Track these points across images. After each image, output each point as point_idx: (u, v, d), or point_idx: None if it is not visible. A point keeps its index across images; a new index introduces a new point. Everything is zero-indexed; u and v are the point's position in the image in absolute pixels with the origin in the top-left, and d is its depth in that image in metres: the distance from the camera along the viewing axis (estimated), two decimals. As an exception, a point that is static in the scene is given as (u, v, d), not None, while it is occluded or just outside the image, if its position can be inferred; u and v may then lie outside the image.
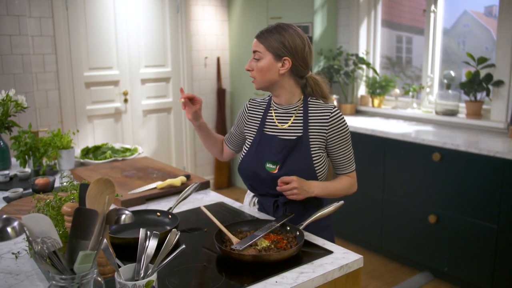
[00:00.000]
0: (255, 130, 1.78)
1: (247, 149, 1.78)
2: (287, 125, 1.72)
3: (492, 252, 2.76)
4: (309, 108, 1.72)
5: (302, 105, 1.72)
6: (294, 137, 1.69)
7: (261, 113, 1.80)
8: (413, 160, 3.14)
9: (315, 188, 1.64)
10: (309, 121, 1.69)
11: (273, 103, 1.79)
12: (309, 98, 1.74)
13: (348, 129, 1.72)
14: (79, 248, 1.00)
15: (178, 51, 4.72)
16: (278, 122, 1.74)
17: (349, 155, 1.74)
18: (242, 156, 1.79)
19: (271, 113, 1.77)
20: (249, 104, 1.87)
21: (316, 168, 1.66)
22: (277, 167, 1.67)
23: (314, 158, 1.66)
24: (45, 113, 3.96)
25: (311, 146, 1.67)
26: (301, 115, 1.71)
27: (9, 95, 2.39)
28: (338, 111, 1.70)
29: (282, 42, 1.66)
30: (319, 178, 1.68)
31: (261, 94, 4.55)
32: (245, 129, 1.84)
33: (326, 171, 1.72)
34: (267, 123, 1.76)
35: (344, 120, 1.70)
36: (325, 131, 1.68)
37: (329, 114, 1.68)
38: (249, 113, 1.84)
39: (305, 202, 1.71)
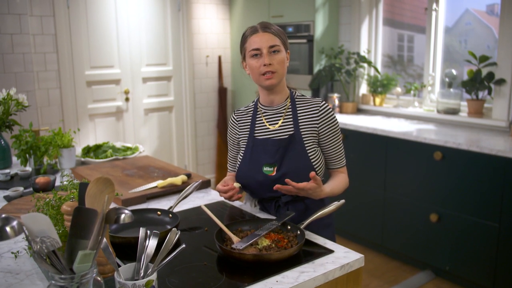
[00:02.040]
0: (247, 137, 1.76)
1: (241, 157, 1.76)
2: (278, 125, 1.71)
3: (494, 250, 2.76)
4: (297, 104, 1.72)
5: (290, 102, 1.72)
6: (287, 136, 1.68)
7: (249, 119, 1.78)
8: (414, 159, 3.13)
9: (325, 191, 1.63)
10: (299, 118, 1.69)
11: (261, 106, 1.77)
12: (295, 95, 1.74)
13: (338, 122, 1.72)
14: (79, 248, 0.99)
15: (179, 50, 4.72)
16: (269, 124, 1.72)
17: (341, 149, 1.74)
18: (237, 165, 1.78)
19: (260, 116, 1.75)
20: (235, 115, 1.83)
21: (314, 164, 1.65)
22: (275, 169, 1.66)
23: (310, 154, 1.66)
24: (46, 112, 3.96)
25: (305, 142, 1.67)
26: (290, 112, 1.71)
27: (10, 94, 2.38)
28: (327, 104, 1.71)
29: (285, 36, 1.71)
30: (318, 173, 1.67)
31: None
32: (240, 141, 1.81)
33: (323, 165, 1.71)
34: (257, 128, 1.74)
35: (334, 113, 1.71)
36: (316, 125, 1.68)
37: (318, 108, 1.69)
38: (239, 122, 1.81)
39: (306, 201, 1.71)
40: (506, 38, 3.13)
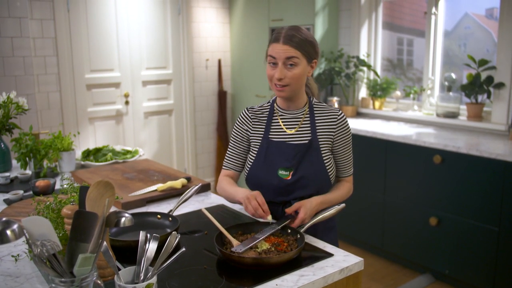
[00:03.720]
0: (260, 138, 1.72)
1: (253, 158, 1.72)
2: (295, 130, 1.69)
3: (493, 254, 2.76)
4: (315, 112, 1.71)
5: (308, 108, 1.71)
6: (306, 141, 1.67)
7: (265, 120, 1.74)
8: (414, 163, 3.13)
9: (316, 201, 1.62)
10: (317, 125, 1.69)
11: (278, 108, 1.74)
12: (313, 102, 1.73)
13: (351, 132, 1.74)
14: (79, 251, 1.00)
15: (179, 53, 4.72)
16: (286, 128, 1.71)
17: (351, 158, 1.76)
18: (249, 166, 1.73)
19: (277, 119, 1.73)
20: (249, 112, 1.77)
21: (328, 170, 1.67)
22: (291, 173, 1.65)
23: (325, 161, 1.66)
24: (46, 115, 3.96)
25: (321, 149, 1.67)
26: (308, 119, 1.70)
27: (10, 97, 2.39)
28: (343, 114, 1.72)
29: (313, 45, 1.62)
30: (331, 179, 1.69)
31: (262, 97, 4.55)
32: (251, 138, 1.76)
33: (335, 173, 1.73)
34: (272, 130, 1.72)
35: (348, 123, 1.73)
36: (332, 134, 1.69)
37: (336, 117, 1.69)
38: (253, 120, 1.75)
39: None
40: (505, 42, 3.14)
